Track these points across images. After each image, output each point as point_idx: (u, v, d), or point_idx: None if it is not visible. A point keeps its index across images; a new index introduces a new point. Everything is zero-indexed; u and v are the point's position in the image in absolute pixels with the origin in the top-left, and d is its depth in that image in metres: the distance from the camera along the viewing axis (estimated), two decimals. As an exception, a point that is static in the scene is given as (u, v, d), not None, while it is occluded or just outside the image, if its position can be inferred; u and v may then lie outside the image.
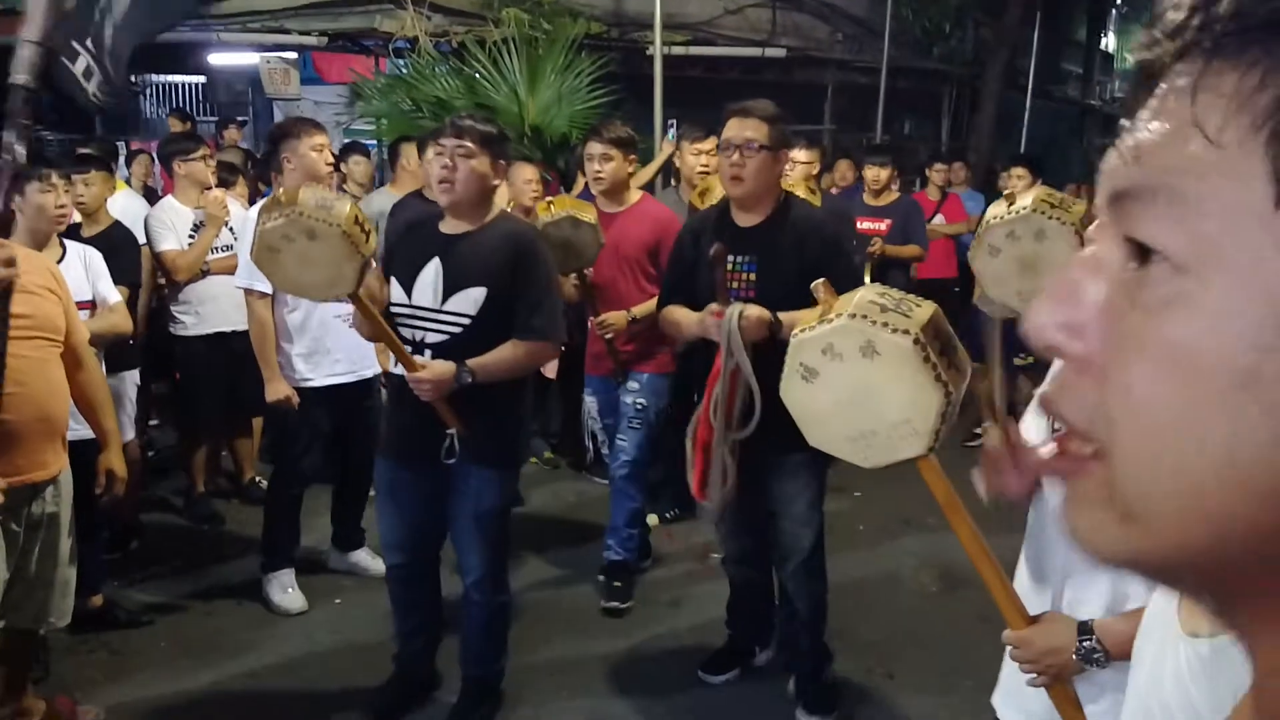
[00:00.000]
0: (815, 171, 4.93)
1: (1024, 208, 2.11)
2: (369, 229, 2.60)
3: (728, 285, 2.74)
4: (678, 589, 4.00)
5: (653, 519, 4.52)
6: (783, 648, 3.33)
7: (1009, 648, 1.60)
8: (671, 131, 6.37)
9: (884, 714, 3.19)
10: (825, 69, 9.90)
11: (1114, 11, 17.00)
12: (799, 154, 4.90)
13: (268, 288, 3.38)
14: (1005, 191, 2.25)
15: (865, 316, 1.52)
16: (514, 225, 2.93)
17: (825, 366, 1.56)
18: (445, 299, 2.75)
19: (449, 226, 2.80)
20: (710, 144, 4.16)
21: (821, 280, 1.69)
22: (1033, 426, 1.67)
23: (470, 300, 2.73)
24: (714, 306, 2.71)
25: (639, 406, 3.82)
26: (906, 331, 1.49)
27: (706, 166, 4.25)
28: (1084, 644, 1.49)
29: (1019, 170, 5.66)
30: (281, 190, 2.69)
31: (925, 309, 1.57)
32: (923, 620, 3.78)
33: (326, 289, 2.55)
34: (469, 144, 2.72)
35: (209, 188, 4.40)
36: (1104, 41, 17.43)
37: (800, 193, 4.39)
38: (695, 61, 8.80)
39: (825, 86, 9.78)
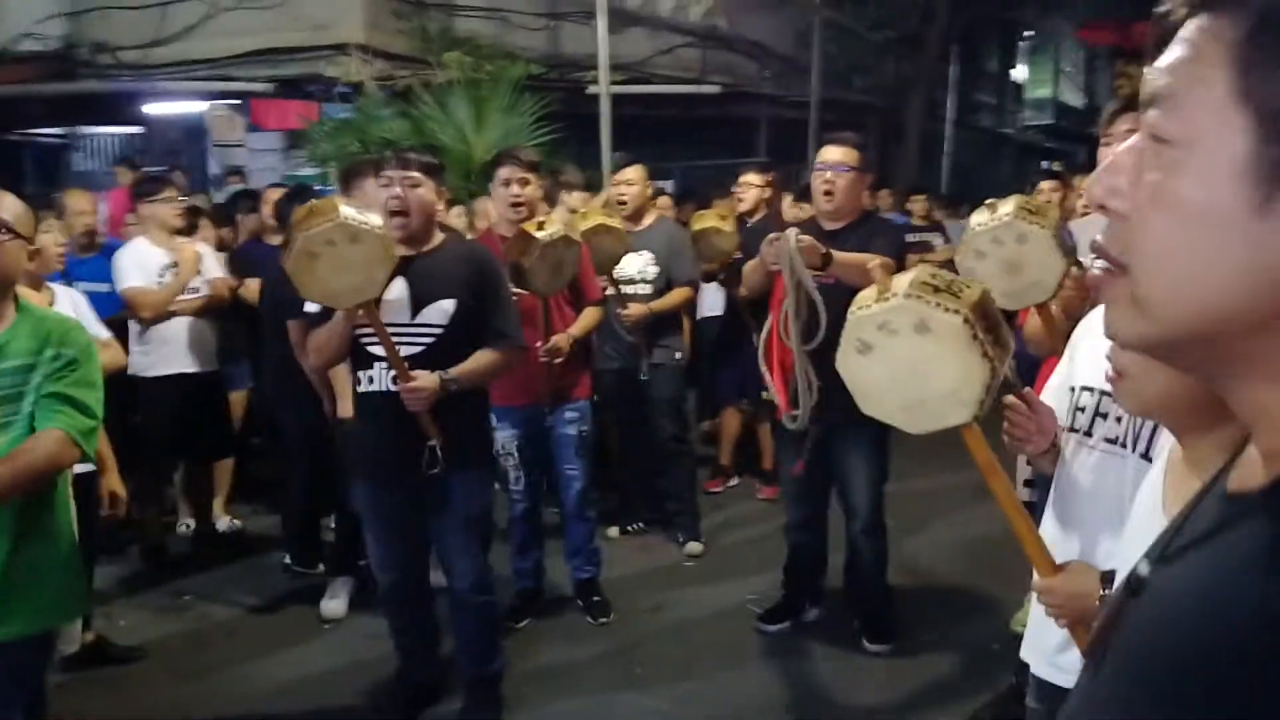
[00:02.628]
0: (768, 196, 5.20)
1: (1006, 215, 2.32)
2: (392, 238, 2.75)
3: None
4: (657, 595, 4.15)
5: (613, 531, 4.70)
6: (848, 591, 3.81)
7: (1036, 598, 1.74)
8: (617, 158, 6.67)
9: (939, 640, 3.68)
10: (758, 104, 10.28)
11: (1022, 45, 17.90)
12: (754, 177, 5.25)
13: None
14: (988, 201, 2.49)
15: (919, 296, 1.64)
16: (468, 244, 3.19)
17: (880, 341, 1.68)
18: (416, 313, 2.89)
19: (401, 250, 2.89)
20: (633, 172, 4.45)
21: (879, 261, 1.84)
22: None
23: (441, 312, 2.89)
24: (771, 235, 3.14)
25: (583, 434, 3.90)
26: (957, 311, 1.61)
27: (623, 195, 4.49)
28: (1106, 592, 1.60)
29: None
30: (314, 202, 2.83)
31: (974, 290, 1.69)
32: (969, 569, 4.28)
33: (356, 295, 2.68)
34: (415, 174, 2.90)
35: (177, 231, 4.46)
36: (1014, 73, 18.30)
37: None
38: (633, 99, 9.08)
39: (758, 120, 10.15)
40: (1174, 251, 0.54)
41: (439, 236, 3.02)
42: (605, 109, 6.96)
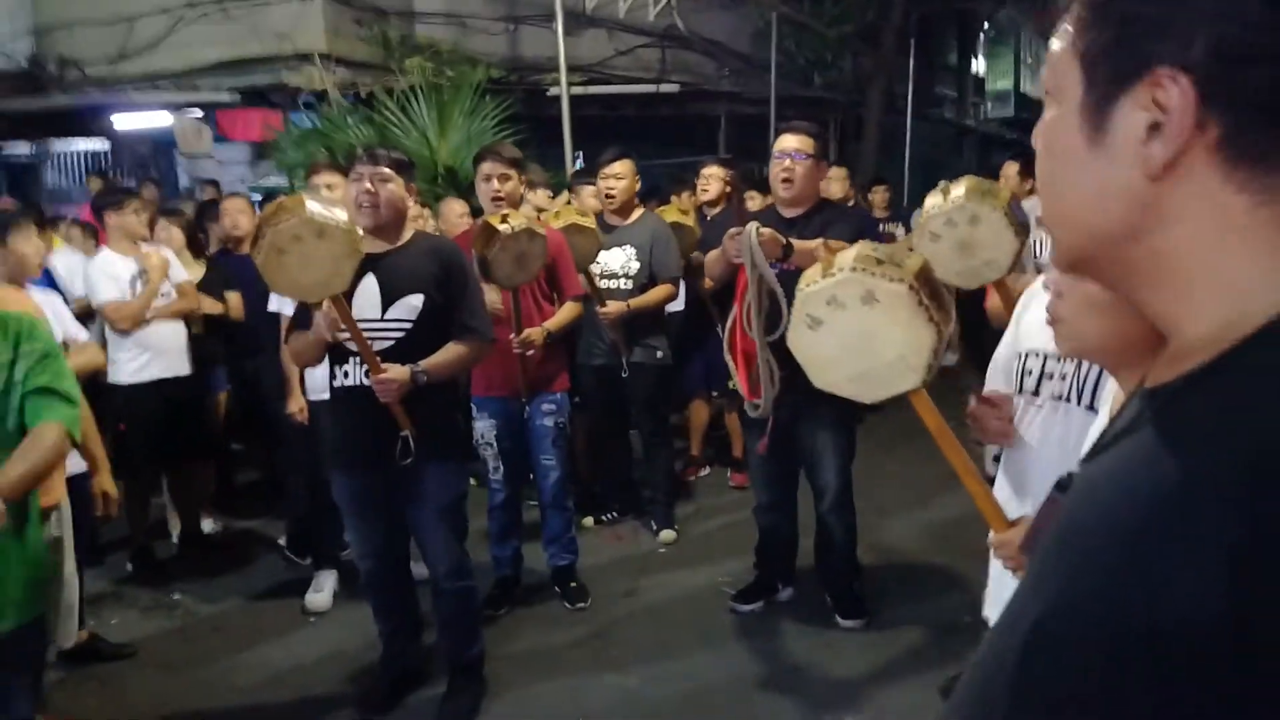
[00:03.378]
0: (728, 190, 5.33)
1: (958, 197, 2.40)
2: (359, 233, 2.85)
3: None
4: (632, 580, 4.27)
5: (588, 520, 4.80)
6: (819, 569, 3.90)
7: (993, 552, 1.84)
8: (579, 162, 6.78)
9: (910, 615, 3.78)
10: (717, 102, 10.41)
11: (982, 37, 18.16)
12: (716, 169, 5.38)
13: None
14: (941, 185, 2.58)
15: (864, 269, 1.72)
16: (436, 240, 3.30)
17: (829, 315, 1.76)
18: (386, 309, 2.99)
19: (371, 246, 3.00)
20: (621, 166, 4.49)
21: (820, 240, 1.92)
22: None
23: (409, 307, 2.99)
24: (732, 230, 3.20)
25: (560, 426, 3.99)
26: (902, 280, 1.70)
27: (611, 189, 4.50)
28: None
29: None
30: (281, 199, 2.91)
31: (915, 259, 1.79)
32: (938, 549, 4.40)
33: (325, 288, 2.77)
34: (385, 170, 3.00)
35: (143, 239, 4.53)
36: (974, 66, 18.55)
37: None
38: (593, 100, 9.19)
39: (718, 118, 10.29)
40: (1053, 184, 0.67)
41: (408, 233, 3.12)
42: (566, 110, 7.08)
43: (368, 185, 2.96)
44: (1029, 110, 20.21)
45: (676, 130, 9.55)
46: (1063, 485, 0.74)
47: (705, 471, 5.66)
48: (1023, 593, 0.63)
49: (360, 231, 2.89)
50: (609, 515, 4.93)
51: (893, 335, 1.74)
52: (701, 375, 5.37)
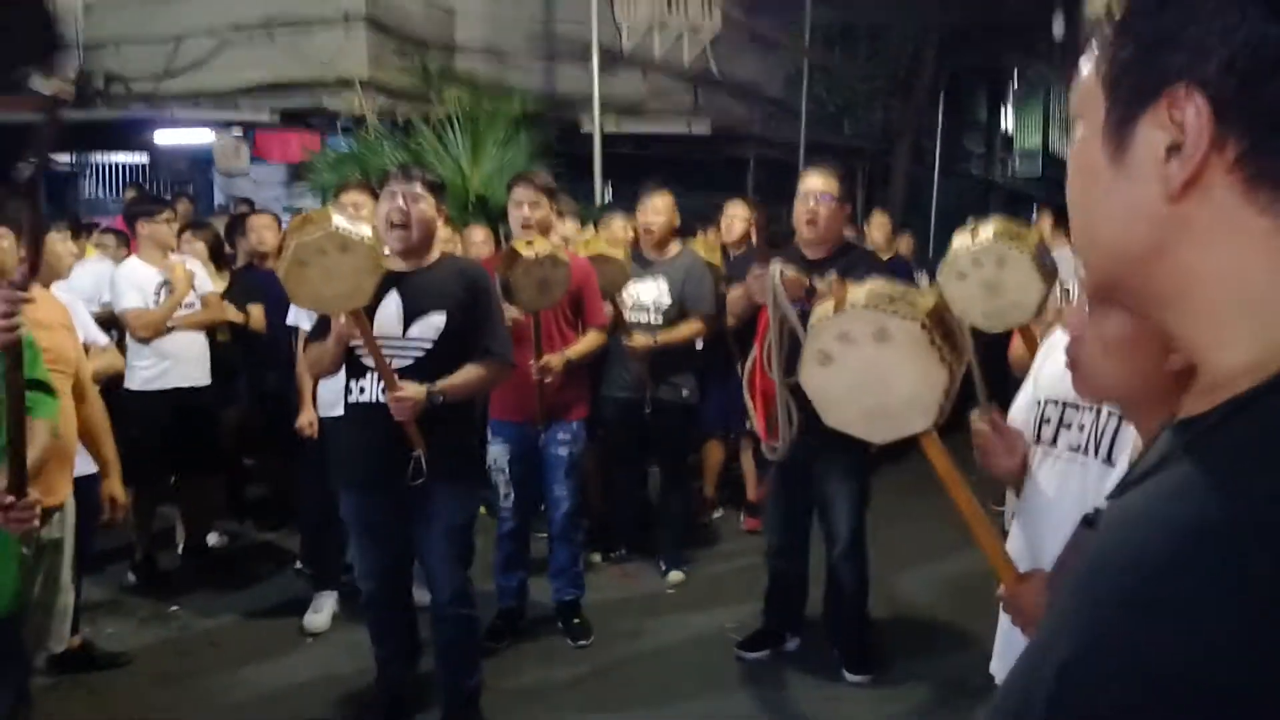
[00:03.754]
0: (750, 229, 5.33)
1: (986, 238, 2.36)
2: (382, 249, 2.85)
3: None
4: (638, 620, 4.20)
5: (596, 556, 4.72)
6: (827, 619, 3.79)
7: (1002, 607, 1.78)
8: (609, 196, 6.85)
9: (919, 673, 3.69)
10: (746, 145, 10.46)
11: (1011, 95, 18.25)
12: (740, 208, 5.37)
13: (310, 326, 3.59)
14: (969, 224, 2.55)
15: (877, 306, 1.68)
16: (463, 262, 3.28)
17: (840, 351, 1.72)
18: (407, 327, 2.98)
19: (398, 265, 3.01)
20: (660, 201, 4.50)
21: (834, 275, 1.89)
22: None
23: (431, 327, 2.98)
24: (755, 269, 3.19)
25: (574, 455, 3.95)
26: (915, 318, 1.66)
27: (651, 224, 4.52)
28: None
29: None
30: (308, 212, 2.93)
31: (928, 298, 1.74)
32: (950, 605, 4.30)
33: (346, 301, 2.77)
34: (418, 189, 2.99)
35: (172, 249, 4.57)
36: (1003, 123, 18.62)
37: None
38: (625, 138, 9.27)
39: (747, 161, 10.34)
40: (1081, 204, 0.66)
41: (436, 253, 3.12)
42: (598, 145, 7.14)
43: (400, 203, 2.96)
44: (1057, 168, 20.21)
45: (706, 171, 9.60)
46: (1090, 521, 0.71)
47: (718, 513, 5.58)
48: (1047, 634, 0.60)
49: (386, 249, 2.90)
50: (618, 552, 4.86)
51: (904, 374, 1.70)
52: (719, 415, 5.30)
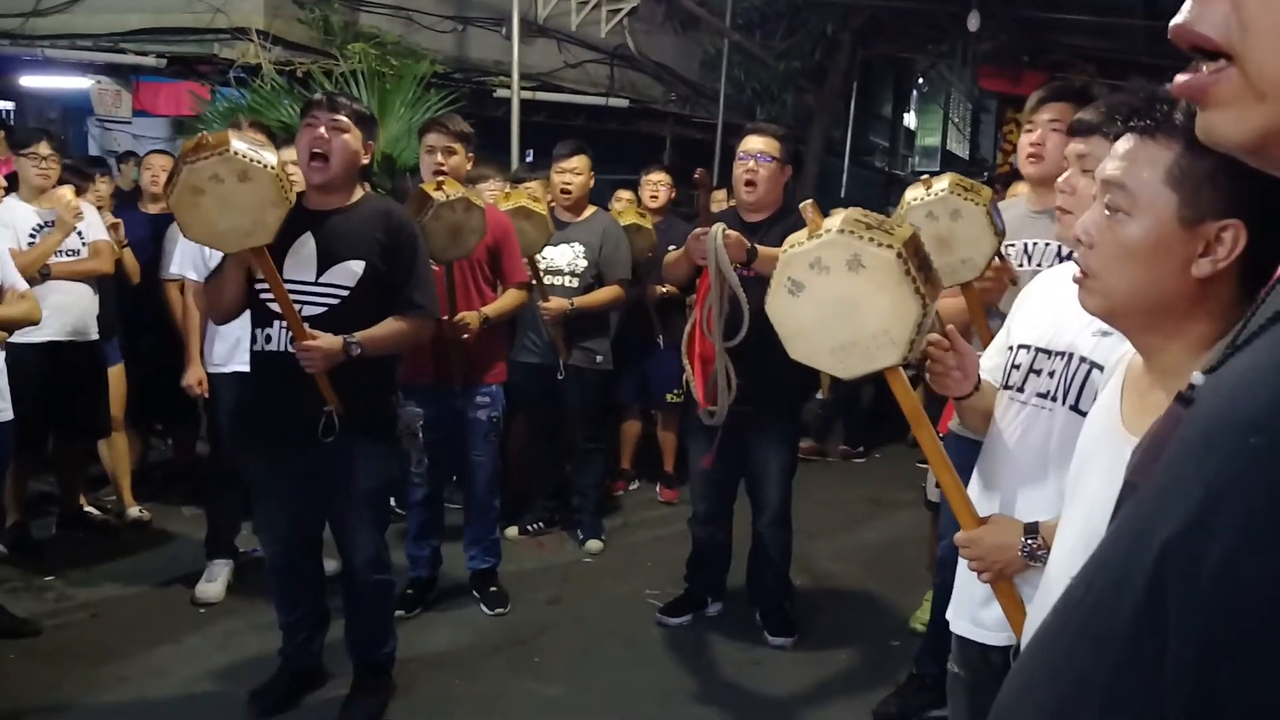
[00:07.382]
0: (674, 195, 5.24)
1: (941, 190, 2.30)
2: (292, 180, 2.58)
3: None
4: (556, 588, 4.06)
5: (511, 531, 4.54)
6: (751, 585, 3.75)
7: (960, 552, 1.73)
8: (529, 158, 6.66)
9: (840, 636, 3.69)
10: (664, 122, 10.36)
11: (915, 93, 18.68)
12: (662, 175, 5.28)
13: (199, 276, 3.35)
14: (922, 177, 2.48)
15: (853, 232, 1.60)
16: (386, 203, 3.00)
17: (812, 280, 1.63)
18: (321, 272, 2.73)
19: (317, 203, 2.76)
20: (578, 161, 4.35)
21: (809, 201, 1.79)
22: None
23: (348, 273, 2.73)
24: (697, 230, 3.04)
25: (493, 419, 3.74)
26: (890, 246, 1.59)
27: (568, 184, 4.36)
28: (1028, 542, 1.63)
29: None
30: (206, 133, 2.61)
31: (905, 229, 1.67)
32: (867, 573, 4.34)
33: (244, 237, 2.49)
34: (343, 118, 2.72)
35: (47, 187, 4.14)
36: (906, 119, 19.07)
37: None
38: (540, 106, 9.04)
39: (664, 138, 10.23)
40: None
41: (358, 193, 2.86)
42: (515, 112, 6.91)
43: (321, 131, 2.69)
44: (952, 167, 20.76)
45: (623, 146, 9.46)
46: (1185, 399, 0.62)
47: (634, 485, 5.48)
48: (1137, 518, 0.59)
49: (293, 179, 2.63)
50: (534, 525, 4.67)
51: (877, 305, 1.62)
52: (636, 388, 5.19)
